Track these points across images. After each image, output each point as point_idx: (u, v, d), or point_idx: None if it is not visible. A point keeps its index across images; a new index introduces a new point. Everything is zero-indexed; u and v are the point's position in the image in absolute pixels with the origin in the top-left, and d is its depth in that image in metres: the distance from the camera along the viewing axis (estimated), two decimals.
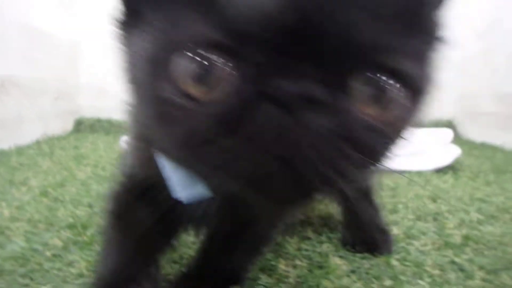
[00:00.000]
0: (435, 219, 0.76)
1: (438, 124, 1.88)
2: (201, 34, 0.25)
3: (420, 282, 0.52)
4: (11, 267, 0.54)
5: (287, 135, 0.24)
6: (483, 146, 1.65)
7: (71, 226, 0.70)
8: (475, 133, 1.77)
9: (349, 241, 0.63)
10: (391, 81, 0.26)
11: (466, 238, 0.66)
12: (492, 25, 1.65)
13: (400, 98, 0.27)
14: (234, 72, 0.25)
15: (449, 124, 1.87)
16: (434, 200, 0.87)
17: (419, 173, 1.11)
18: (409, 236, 0.67)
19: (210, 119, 0.25)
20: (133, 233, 0.46)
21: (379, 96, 0.26)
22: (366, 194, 0.66)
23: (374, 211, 0.66)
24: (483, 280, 0.53)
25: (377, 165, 0.30)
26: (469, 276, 0.54)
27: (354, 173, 0.26)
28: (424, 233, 0.68)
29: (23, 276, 0.52)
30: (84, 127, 1.97)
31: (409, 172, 1.12)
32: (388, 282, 0.52)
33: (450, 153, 1.16)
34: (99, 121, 1.99)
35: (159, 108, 0.27)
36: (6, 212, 0.76)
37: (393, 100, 0.27)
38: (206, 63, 0.25)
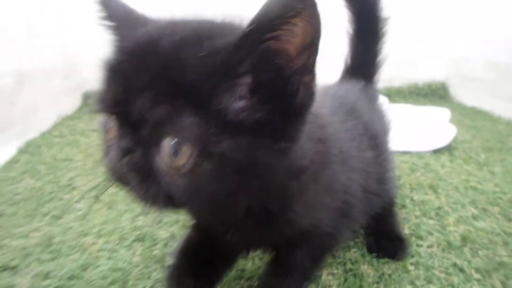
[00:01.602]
0: (437, 214, 0.91)
1: (431, 85, 2.00)
2: (98, 108, 0.43)
3: (431, 286, 0.68)
4: None
5: (116, 165, 0.41)
6: (473, 112, 1.79)
7: (139, 240, 0.83)
8: (466, 97, 1.90)
9: (374, 248, 0.78)
10: (167, 141, 0.38)
11: (464, 238, 0.81)
12: None
13: (181, 151, 0.38)
14: (114, 126, 0.42)
15: (441, 86, 1.99)
16: (435, 190, 1.03)
17: (419, 155, 1.26)
18: (418, 237, 0.83)
19: (106, 146, 0.44)
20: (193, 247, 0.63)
21: (167, 150, 0.38)
22: (388, 207, 0.81)
23: (394, 221, 0.82)
24: (478, 282, 0.69)
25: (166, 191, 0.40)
26: (468, 279, 0.70)
27: (147, 190, 0.40)
28: (430, 233, 0.84)
29: None
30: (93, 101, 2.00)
31: (410, 153, 1.27)
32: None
33: (447, 134, 1.30)
34: None
35: None
36: (77, 226, 0.88)
37: (177, 152, 0.38)
38: (105, 119, 0.44)
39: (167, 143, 0.38)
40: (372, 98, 0.82)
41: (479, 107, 1.82)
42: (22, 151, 1.34)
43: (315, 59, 0.38)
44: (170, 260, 0.65)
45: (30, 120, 1.51)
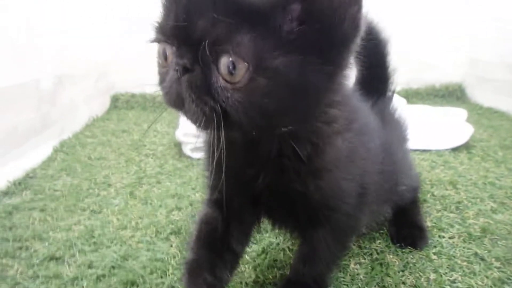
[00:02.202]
0: (457, 208, 0.95)
1: (448, 87, 2.04)
2: (159, 38, 0.47)
3: (454, 274, 0.72)
4: (156, 279, 0.73)
5: (173, 84, 0.44)
6: (490, 112, 1.82)
7: (175, 233, 0.88)
8: (482, 97, 1.93)
9: (396, 237, 0.83)
10: (225, 58, 0.41)
11: (484, 229, 0.85)
12: None
13: (238, 67, 0.41)
14: (172, 51, 0.45)
15: (458, 87, 2.03)
16: (454, 185, 1.06)
17: (438, 153, 1.30)
18: (440, 229, 0.87)
19: (161, 72, 0.48)
20: (207, 230, 0.64)
21: (226, 66, 0.41)
22: (413, 198, 0.86)
23: (415, 212, 0.87)
24: (499, 270, 0.73)
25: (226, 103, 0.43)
26: (489, 267, 0.74)
27: (204, 104, 0.43)
28: (451, 226, 0.88)
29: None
30: (121, 103, 2.09)
31: (430, 151, 1.30)
32: (432, 276, 0.72)
33: (465, 132, 1.33)
34: (133, 96, 2.10)
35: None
36: (115, 220, 0.95)
37: (234, 68, 0.41)
38: (163, 47, 0.47)
39: (225, 59, 0.41)
40: (384, 109, 0.83)
41: (496, 108, 1.84)
42: (57, 150, 1.42)
43: None
44: (187, 254, 0.64)
45: (66, 121, 1.60)
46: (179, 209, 0.99)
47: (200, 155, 1.32)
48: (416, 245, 0.81)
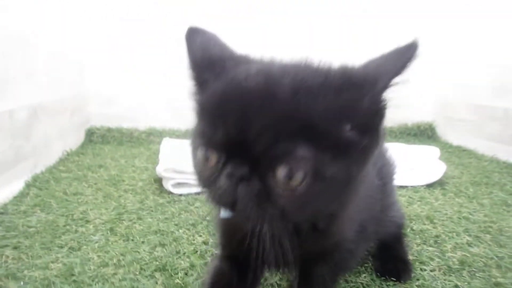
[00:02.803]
0: (436, 242, 0.98)
1: (420, 126, 2.16)
2: (205, 143, 0.48)
3: None
4: None
5: (229, 191, 0.46)
6: (459, 150, 1.93)
7: (160, 269, 0.85)
8: (452, 136, 2.06)
9: (380, 271, 0.84)
10: (283, 168, 0.43)
11: (462, 262, 0.88)
12: (475, 43, 1.90)
13: (296, 176, 0.44)
14: (217, 158, 0.47)
15: (429, 127, 2.16)
16: (431, 220, 1.10)
17: (414, 189, 1.35)
18: (421, 262, 0.89)
19: (206, 175, 0.49)
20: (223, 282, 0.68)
21: (284, 176, 0.44)
22: (398, 233, 0.89)
23: (399, 246, 0.89)
24: None
25: (282, 212, 0.46)
26: None
27: (264, 211, 0.45)
28: (431, 259, 0.90)
29: None
30: (96, 137, 2.05)
31: (406, 187, 1.35)
32: None
33: (438, 169, 1.40)
34: (109, 130, 2.07)
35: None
36: (95, 257, 0.91)
37: (293, 177, 0.44)
38: (208, 154, 0.48)
39: (284, 169, 0.43)
40: None
41: (464, 146, 1.96)
42: (29, 185, 1.37)
43: None
44: None
45: (40, 155, 1.55)
46: (163, 245, 0.97)
47: (182, 190, 1.32)
48: (400, 278, 0.82)
